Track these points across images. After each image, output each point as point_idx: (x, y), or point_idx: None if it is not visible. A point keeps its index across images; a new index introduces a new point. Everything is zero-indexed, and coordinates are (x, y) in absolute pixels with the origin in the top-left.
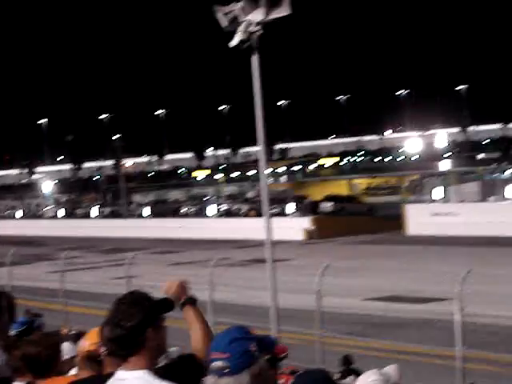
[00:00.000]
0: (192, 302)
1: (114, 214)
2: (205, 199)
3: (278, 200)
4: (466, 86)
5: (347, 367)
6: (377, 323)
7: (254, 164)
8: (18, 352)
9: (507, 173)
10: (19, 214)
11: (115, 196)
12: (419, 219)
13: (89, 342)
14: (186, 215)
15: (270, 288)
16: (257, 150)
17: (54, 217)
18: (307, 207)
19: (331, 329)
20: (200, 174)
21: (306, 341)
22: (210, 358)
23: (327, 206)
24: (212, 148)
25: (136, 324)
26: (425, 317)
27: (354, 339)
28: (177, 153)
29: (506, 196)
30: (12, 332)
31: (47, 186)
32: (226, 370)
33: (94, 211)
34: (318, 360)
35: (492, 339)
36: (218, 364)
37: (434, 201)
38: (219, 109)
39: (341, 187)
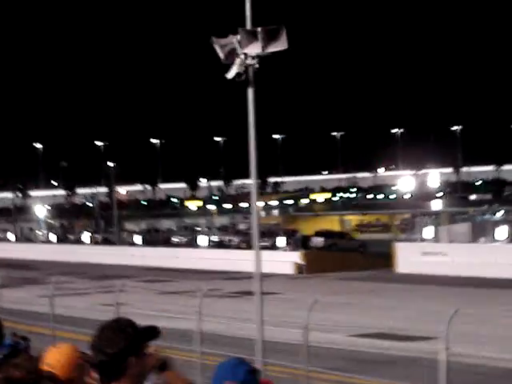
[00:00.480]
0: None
1: (106, 241)
2: (196, 229)
3: (270, 233)
4: (460, 126)
5: None
6: (363, 359)
7: (246, 196)
8: (1, 375)
9: (498, 214)
10: (12, 237)
11: (108, 223)
12: (409, 258)
13: (44, 363)
14: (177, 245)
15: (256, 320)
16: (249, 182)
17: (47, 241)
18: (298, 242)
19: (317, 363)
20: (192, 205)
21: (291, 374)
22: None
23: (318, 241)
24: (206, 179)
25: (118, 351)
26: (411, 355)
27: (339, 375)
28: (170, 182)
29: (496, 238)
30: None
31: (41, 211)
32: None
33: (86, 237)
34: None
35: (476, 379)
36: None
37: (424, 240)
38: (214, 140)
39: (332, 223)
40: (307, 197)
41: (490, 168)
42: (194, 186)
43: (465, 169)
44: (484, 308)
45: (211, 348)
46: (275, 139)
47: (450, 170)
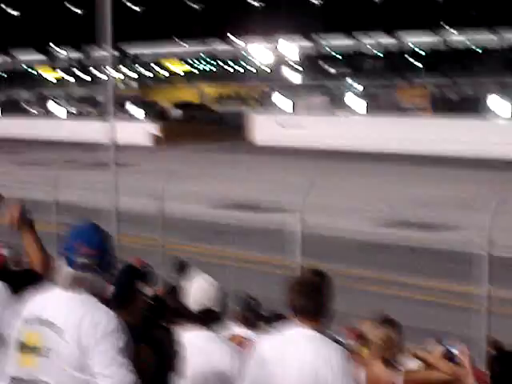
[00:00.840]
0: (30, 223)
1: None
2: (53, 100)
3: (125, 103)
4: None
5: (181, 271)
6: (219, 230)
7: (102, 65)
8: None
9: (355, 86)
10: None
11: None
12: (267, 130)
13: None
14: (34, 115)
15: (111, 191)
16: (103, 51)
17: None
18: (156, 113)
19: (174, 234)
20: (47, 73)
21: (148, 245)
22: (76, 248)
23: (176, 112)
24: (58, 47)
25: None
26: (267, 226)
27: (196, 246)
28: (20, 49)
29: (352, 109)
30: None
31: None
32: (94, 267)
33: None
34: (161, 265)
35: (333, 250)
36: (86, 259)
37: (282, 112)
38: (66, 6)
39: (190, 94)
40: (163, 66)
41: (347, 39)
42: (46, 53)
43: (321, 39)
44: (339, 180)
45: (68, 218)
46: (126, 5)
47: (306, 41)
